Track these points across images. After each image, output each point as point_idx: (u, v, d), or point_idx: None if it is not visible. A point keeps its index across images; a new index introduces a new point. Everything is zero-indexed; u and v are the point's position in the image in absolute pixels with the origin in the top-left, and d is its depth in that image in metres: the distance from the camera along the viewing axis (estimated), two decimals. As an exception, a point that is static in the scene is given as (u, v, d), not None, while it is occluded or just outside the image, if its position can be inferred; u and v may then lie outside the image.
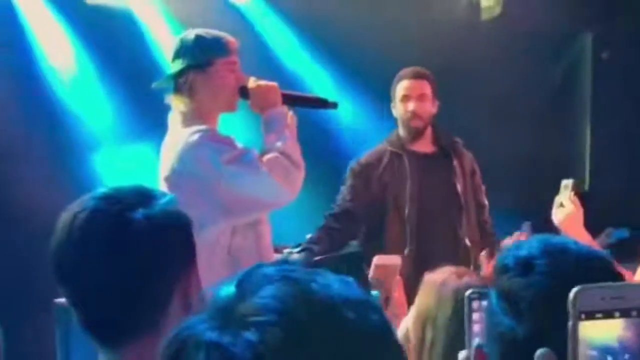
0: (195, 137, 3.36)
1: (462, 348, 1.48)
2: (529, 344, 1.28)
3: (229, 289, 0.96)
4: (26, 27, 6.51)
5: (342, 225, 4.66)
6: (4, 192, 5.86)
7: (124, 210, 1.72)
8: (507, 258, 1.41)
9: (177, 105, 3.50)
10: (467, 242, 4.64)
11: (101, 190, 1.79)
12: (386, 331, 0.97)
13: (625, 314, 1.18)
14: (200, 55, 3.47)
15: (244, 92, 3.52)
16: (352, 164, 4.79)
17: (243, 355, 0.88)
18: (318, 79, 7.00)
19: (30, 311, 5.09)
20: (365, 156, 4.80)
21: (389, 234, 4.61)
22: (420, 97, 4.67)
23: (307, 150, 3.62)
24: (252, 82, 3.53)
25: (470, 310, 1.48)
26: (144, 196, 1.77)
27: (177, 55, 3.50)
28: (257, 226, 3.45)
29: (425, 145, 4.77)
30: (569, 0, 6.46)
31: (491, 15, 6.64)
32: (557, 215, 3.36)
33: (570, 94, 6.93)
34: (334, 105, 3.67)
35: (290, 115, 3.52)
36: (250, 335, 0.89)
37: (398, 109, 4.73)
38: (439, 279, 2.52)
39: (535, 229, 6.12)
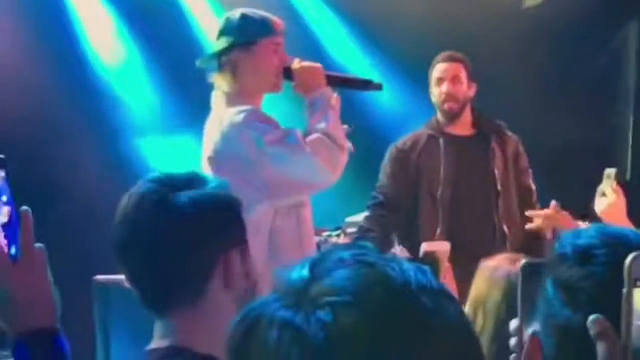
0: (240, 117, 3.36)
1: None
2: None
3: (302, 271, 0.94)
4: (70, 8, 6.56)
5: (388, 212, 4.66)
6: (46, 174, 5.91)
7: (170, 192, 1.83)
8: (565, 247, 1.38)
9: (220, 84, 3.51)
10: (505, 228, 4.61)
11: (155, 174, 1.89)
12: (463, 323, 0.95)
13: None
14: (246, 33, 3.48)
15: (288, 73, 3.52)
16: (390, 149, 4.79)
17: (315, 336, 0.87)
18: (360, 63, 6.99)
19: (70, 288, 5.14)
20: (402, 140, 4.81)
21: (421, 216, 4.62)
22: (454, 79, 4.70)
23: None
24: (296, 64, 3.54)
25: (527, 282, 1.45)
26: (194, 180, 1.88)
27: (222, 33, 3.51)
28: (299, 208, 3.46)
29: (463, 128, 4.77)
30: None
31: (535, 2, 6.60)
32: (600, 205, 3.33)
33: (614, 83, 6.86)
34: (379, 87, 3.66)
35: (334, 97, 3.52)
36: (323, 315, 0.88)
37: (433, 92, 4.77)
38: (493, 264, 2.51)
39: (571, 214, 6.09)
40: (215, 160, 3.38)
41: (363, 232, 4.67)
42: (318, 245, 4.00)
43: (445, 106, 4.71)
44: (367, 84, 3.69)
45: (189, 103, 6.35)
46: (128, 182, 1.95)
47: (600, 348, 1.18)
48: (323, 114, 3.43)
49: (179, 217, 1.81)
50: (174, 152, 6.24)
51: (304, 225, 3.47)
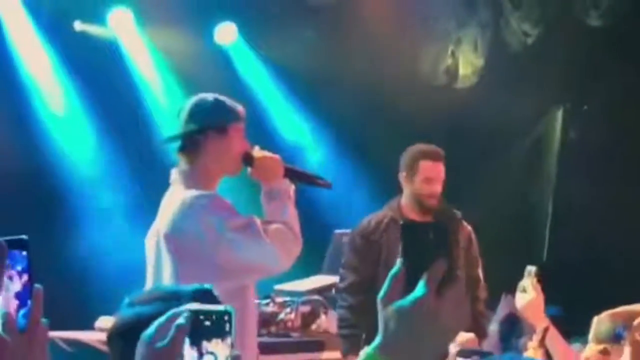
0: (203, 201, 3.49)
1: None
2: None
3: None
4: (13, 51, 6.64)
5: (366, 294, 4.68)
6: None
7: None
8: None
9: (182, 163, 3.62)
10: None
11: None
12: None
13: None
14: (219, 118, 3.60)
15: (248, 159, 3.64)
16: (354, 237, 4.87)
17: None
18: (293, 122, 7.21)
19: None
20: (365, 222, 4.88)
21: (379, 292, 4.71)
22: (442, 180, 4.81)
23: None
24: (257, 152, 3.67)
25: None
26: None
27: (193, 115, 3.61)
28: (244, 290, 3.57)
29: (423, 215, 4.89)
30: (543, 76, 6.65)
31: (467, 84, 6.82)
32: (520, 301, 3.51)
33: (537, 166, 7.14)
34: (329, 185, 3.82)
35: (292, 188, 3.67)
36: None
37: (416, 186, 4.79)
38: None
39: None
40: (173, 238, 3.49)
41: (349, 328, 4.75)
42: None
43: (428, 203, 4.80)
44: (318, 181, 3.83)
45: (125, 146, 6.52)
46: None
47: None
48: (283, 205, 3.58)
49: None
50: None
51: (247, 308, 3.56)
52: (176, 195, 3.56)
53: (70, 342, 4.26)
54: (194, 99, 3.70)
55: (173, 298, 2.11)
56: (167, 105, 6.96)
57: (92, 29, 6.87)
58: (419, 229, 1.51)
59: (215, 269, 3.42)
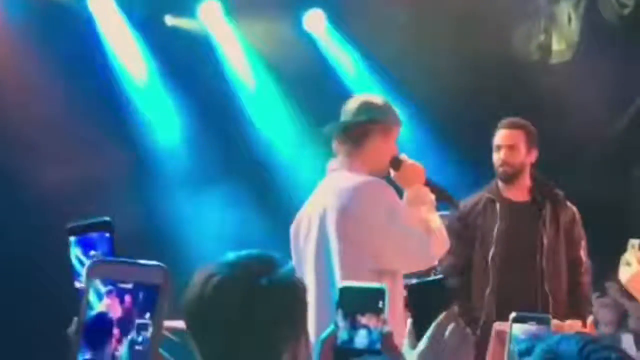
0: (377, 187, 3.70)
1: None
2: None
3: None
4: (107, 47, 6.76)
5: (460, 277, 4.75)
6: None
7: (250, 278, 1.96)
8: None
9: (343, 153, 3.81)
10: (549, 294, 4.68)
11: (231, 257, 1.99)
12: None
13: None
14: (388, 117, 3.85)
15: (396, 163, 3.85)
16: (452, 220, 4.85)
17: None
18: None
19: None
20: (463, 203, 4.85)
21: (474, 276, 4.75)
22: (511, 147, 4.78)
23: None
24: (405, 158, 3.88)
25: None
26: (268, 264, 2.00)
27: (363, 109, 3.82)
28: (395, 274, 3.71)
29: (520, 194, 4.85)
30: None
31: (562, 59, 6.70)
32: (624, 274, 3.41)
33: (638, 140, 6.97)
34: (458, 206, 4.17)
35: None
36: None
37: (493, 157, 4.84)
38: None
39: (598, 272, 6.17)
40: (343, 218, 3.68)
41: None
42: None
43: (500, 170, 4.82)
44: (451, 200, 4.09)
45: (212, 135, 6.58)
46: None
47: None
48: (432, 209, 3.83)
49: (261, 302, 1.94)
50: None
51: (396, 291, 3.62)
52: (344, 180, 3.76)
53: (176, 331, 4.29)
54: (361, 97, 3.98)
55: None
56: (257, 95, 7.02)
57: (183, 23, 6.96)
58: (421, 288, 1.74)
59: (375, 252, 3.64)
